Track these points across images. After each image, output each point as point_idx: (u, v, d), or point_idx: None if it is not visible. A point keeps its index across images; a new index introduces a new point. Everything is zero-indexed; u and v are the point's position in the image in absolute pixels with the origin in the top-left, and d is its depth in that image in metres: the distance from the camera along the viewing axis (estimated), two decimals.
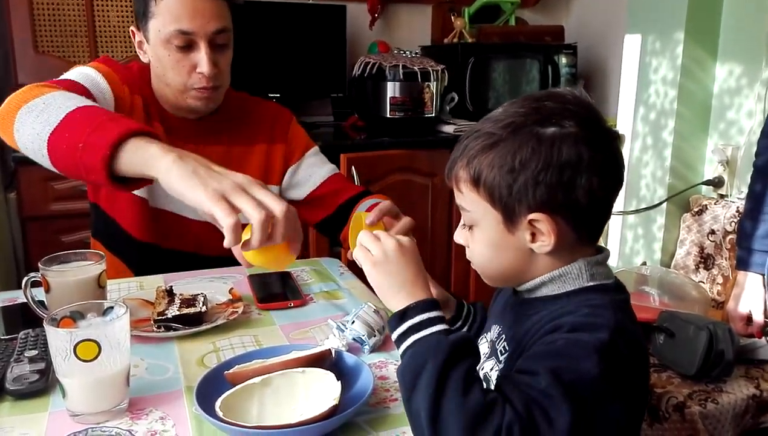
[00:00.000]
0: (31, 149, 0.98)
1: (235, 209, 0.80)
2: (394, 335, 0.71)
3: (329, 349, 0.81)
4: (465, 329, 0.95)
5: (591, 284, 0.73)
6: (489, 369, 0.78)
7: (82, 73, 1.19)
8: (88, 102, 1.01)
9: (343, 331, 0.94)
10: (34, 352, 0.86)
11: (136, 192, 1.25)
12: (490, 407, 0.62)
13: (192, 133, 1.29)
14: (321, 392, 0.74)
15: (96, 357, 0.74)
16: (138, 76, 1.28)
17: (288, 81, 2.68)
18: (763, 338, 1.26)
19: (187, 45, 1.19)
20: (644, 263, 2.71)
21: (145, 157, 0.87)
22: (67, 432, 0.73)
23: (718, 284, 2.45)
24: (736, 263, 1.43)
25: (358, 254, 0.77)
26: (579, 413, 0.62)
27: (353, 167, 2.24)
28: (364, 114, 2.69)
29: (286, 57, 2.65)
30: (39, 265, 0.96)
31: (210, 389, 0.76)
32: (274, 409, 0.74)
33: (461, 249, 0.81)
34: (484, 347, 0.83)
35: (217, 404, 0.71)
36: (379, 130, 2.56)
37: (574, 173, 0.69)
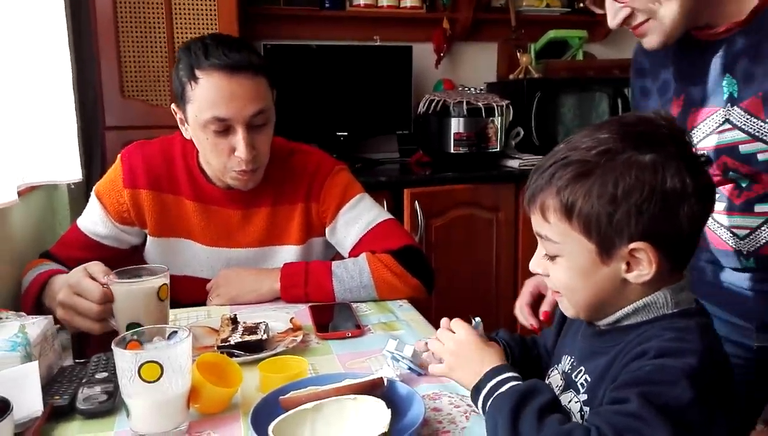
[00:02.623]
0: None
1: None
2: (479, 409, 0.75)
3: (381, 378, 0.81)
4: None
5: (675, 310, 0.71)
6: (567, 402, 0.76)
7: (86, 213, 1.35)
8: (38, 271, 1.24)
9: (398, 361, 0.93)
10: (105, 374, 0.91)
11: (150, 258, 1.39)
12: (568, 432, 0.63)
13: (238, 200, 1.34)
14: (371, 419, 0.74)
15: (158, 378, 0.77)
16: (180, 152, 1.34)
17: (355, 119, 2.75)
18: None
19: (225, 129, 1.19)
20: None
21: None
22: None
23: None
24: None
25: (433, 345, 0.86)
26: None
27: (416, 202, 2.25)
28: (429, 150, 2.72)
29: (354, 96, 2.73)
30: (107, 277, 1.04)
31: (266, 414, 0.78)
32: (326, 435, 0.75)
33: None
34: (556, 379, 0.81)
35: (270, 428, 0.72)
36: (444, 165, 2.57)
37: (679, 202, 0.67)
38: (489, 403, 0.72)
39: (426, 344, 0.90)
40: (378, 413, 0.74)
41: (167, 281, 1.05)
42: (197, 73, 1.17)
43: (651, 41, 0.96)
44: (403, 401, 0.81)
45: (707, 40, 0.97)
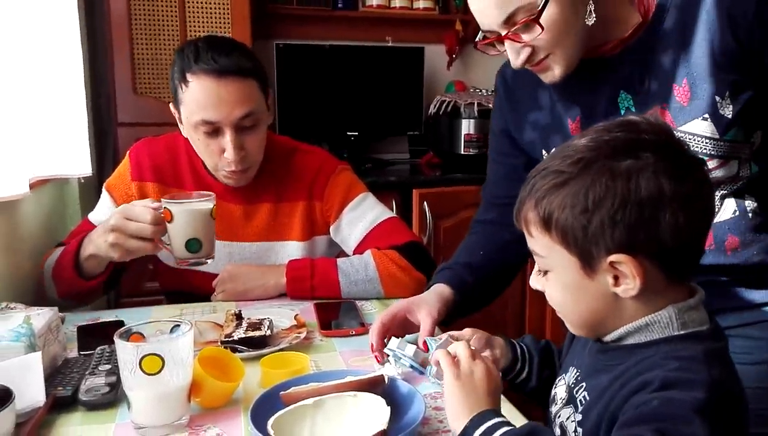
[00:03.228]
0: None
1: None
2: None
3: (382, 375, 0.81)
4: (527, 371, 0.92)
5: (682, 332, 0.67)
6: (565, 418, 0.74)
7: (98, 207, 1.39)
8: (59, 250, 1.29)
9: (399, 359, 0.93)
10: (108, 366, 0.91)
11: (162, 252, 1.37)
12: None
13: (240, 195, 1.35)
14: (371, 416, 0.74)
15: (159, 371, 0.77)
16: (184, 148, 1.35)
17: (366, 119, 2.75)
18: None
19: (214, 131, 1.22)
20: None
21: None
22: None
23: None
24: None
25: (443, 359, 0.76)
26: None
27: (425, 203, 2.25)
28: (439, 151, 2.71)
29: (366, 97, 2.73)
30: (162, 199, 1.13)
31: (266, 409, 0.77)
32: (325, 431, 0.75)
33: (536, 291, 0.77)
34: (561, 391, 0.79)
35: (269, 423, 0.72)
36: (454, 166, 2.57)
37: (656, 210, 0.64)
38: None
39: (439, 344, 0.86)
40: (377, 410, 0.74)
41: (215, 203, 1.15)
42: (187, 76, 1.20)
43: (553, 75, 0.94)
44: (404, 399, 0.81)
45: (593, 60, 0.95)
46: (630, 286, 0.66)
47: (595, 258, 0.66)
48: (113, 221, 1.14)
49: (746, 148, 0.91)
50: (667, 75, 0.91)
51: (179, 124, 1.31)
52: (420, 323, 1.02)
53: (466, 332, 0.90)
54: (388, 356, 0.94)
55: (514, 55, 0.92)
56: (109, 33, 2.20)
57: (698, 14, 0.88)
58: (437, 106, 2.65)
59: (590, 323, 0.72)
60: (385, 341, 0.97)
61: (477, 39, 0.96)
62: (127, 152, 1.40)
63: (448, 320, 1.10)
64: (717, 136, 0.88)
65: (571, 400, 0.75)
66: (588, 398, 0.71)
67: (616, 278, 0.66)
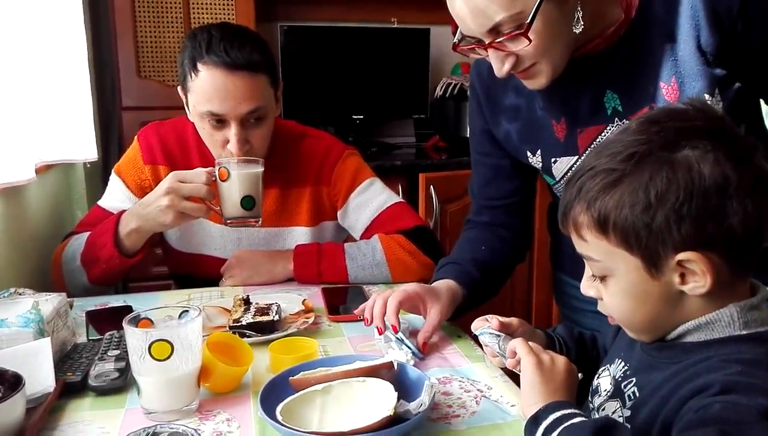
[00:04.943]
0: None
1: None
2: None
3: (391, 361, 0.81)
4: None
5: (744, 332, 0.64)
6: (611, 412, 0.71)
7: (108, 193, 1.37)
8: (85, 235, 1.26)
9: (402, 343, 0.93)
10: (117, 352, 0.91)
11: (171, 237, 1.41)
12: None
13: None
14: (379, 402, 0.73)
15: (169, 357, 0.77)
16: (192, 132, 1.33)
17: (372, 102, 2.73)
18: None
19: (219, 122, 1.21)
20: None
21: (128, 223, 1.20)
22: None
23: None
24: None
25: (523, 348, 0.73)
26: None
27: (432, 187, 2.24)
28: (446, 134, 2.69)
29: (371, 79, 2.71)
30: (216, 161, 1.19)
31: (276, 394, 0.78)
32: (334, 416, 0.75)
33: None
34: (605, 383, 0.76)
35: (278, 408, 0.73)
36: (460, 150, 2.55)
37: (723, 199, 0.60)
38: (557, 433, 0.64)
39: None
40: (386, 395, 0.74)
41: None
42: (198, 65, 1.19)
43: (539, 82, 0.91)
44: (414, 384, 0.81)
45: (576, 58, 0.91)
46: (700, 283, 0.63)
47: (662, 258, 0.63)
48: (168, 184, 1.16)
49: None
50: (653, 73, 0.89)
51: (186, 109, 1.29)
52: (428, 313, 1.01)
53: (514, 320, 0.86)
54: (391, 340, 0.94)
55: (499, 64, 0.89)
56: (112, 16, 2.18)
57: (682, 10, 0.86)
58: (443, 88, 2.63)
59: (653, 327, 0.69)
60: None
61: (455, 40, 0.91)
62: (135, 136, 1.39)
63: (453, 316, 1.09)
64: None
65: (617, 394, 0.72)
66: (638, 394, 0.68)
67: (682, 276, 0.63)
